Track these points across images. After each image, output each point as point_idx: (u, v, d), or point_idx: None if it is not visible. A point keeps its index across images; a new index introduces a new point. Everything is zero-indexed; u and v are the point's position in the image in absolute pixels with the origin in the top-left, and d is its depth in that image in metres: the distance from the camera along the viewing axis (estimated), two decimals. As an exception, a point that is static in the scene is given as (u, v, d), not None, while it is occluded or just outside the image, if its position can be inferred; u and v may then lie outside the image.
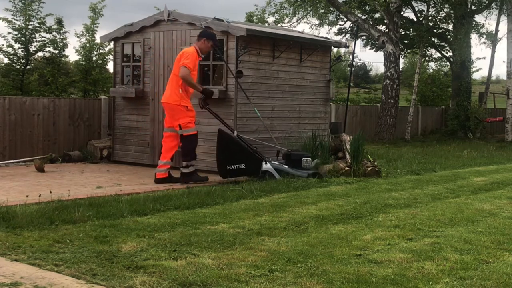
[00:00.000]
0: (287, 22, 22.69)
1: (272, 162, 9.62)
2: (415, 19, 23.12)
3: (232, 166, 9.24)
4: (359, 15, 21.51)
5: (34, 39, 16.44)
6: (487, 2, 21.88)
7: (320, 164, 10.19)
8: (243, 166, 9.32)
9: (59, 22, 16.65)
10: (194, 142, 9.19)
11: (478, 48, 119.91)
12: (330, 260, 4.85)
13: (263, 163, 9.50)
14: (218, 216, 6.55)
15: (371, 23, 21.55)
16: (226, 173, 9.26)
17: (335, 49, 14.04)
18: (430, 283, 4.34)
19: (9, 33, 16.08)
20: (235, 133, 9.57)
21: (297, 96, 11.42)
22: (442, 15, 23.27)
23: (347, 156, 10.39)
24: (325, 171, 9.92)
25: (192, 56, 8.98)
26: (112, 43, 12.60)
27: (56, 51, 16.82)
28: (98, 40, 16.85)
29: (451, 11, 22.22)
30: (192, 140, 9.12)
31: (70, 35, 63.49)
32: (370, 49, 24.94)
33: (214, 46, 9.43)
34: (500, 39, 23.07)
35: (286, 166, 9.61)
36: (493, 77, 33.40)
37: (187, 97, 9.08)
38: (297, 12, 22.24)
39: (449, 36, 23.42)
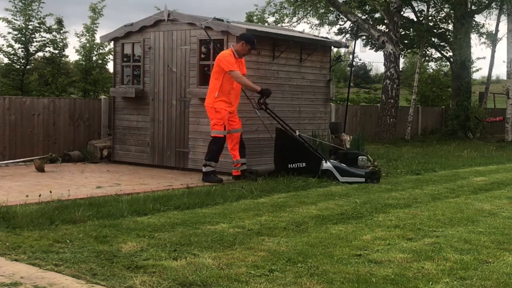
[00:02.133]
0: (287, 22, 22.68)
1: (332, 161, 9.74)
2: (415, 19, 23.11)
3: (293, 165, 9.51)
4: (359, 15, 21.51)
5: (34, 39, 16.46)
6: (487, 2, 21.87)
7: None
8: (303, 165, 9.57)
9: (59, 22, 16.67)
10: (219, 144, 9.34)
11: (478, 48, 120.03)
12: (330, 260, 4.85)
13: (323, 161, 9.62)
14: (218, 216, 6.55)
15: (371, 23, 21.54)
16: (287, 171, 9.48)
17: (335, 49, 14.02)
18: (430, 283, 4.34)
19: (9, 33, 16.11)
20: (297, 133, 9.76)
21: (297, 96, 11.42)
22: (442, 15, 23.26)
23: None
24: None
25: (228, 59, 9.14)
26: (112, 43, 12.60)
27: (56, 51, 16.84)
28: (98, 40, 16.87)
29: (451, 11, 22.21)
30: (216, 141, 9.32)
31: (70, 35, 63.55)
32: (370, 49, 24.93)
33: (252, 50, 9.52)
34: (500, 39, 23.07)
35: (345, 165, 9.67)
36: (493, 77, 33.38)
37: (223, 100, 9.23)
38: (297, 12, 22.22)
39: (449, 36, 23.41)
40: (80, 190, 8.29)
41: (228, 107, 9.31)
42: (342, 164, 9.68)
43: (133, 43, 11.68)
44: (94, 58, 17.32)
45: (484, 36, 22.58)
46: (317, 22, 22.74)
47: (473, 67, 25.48)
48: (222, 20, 10.35)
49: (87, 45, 17.15)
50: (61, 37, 16.81)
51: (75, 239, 5.36)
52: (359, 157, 9.94)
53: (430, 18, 22.53)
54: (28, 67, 16.82)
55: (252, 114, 10.24)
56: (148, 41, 11.37)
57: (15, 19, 16.10)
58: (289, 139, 9.67)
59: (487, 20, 59.15)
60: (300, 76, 11.44)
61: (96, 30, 17.20)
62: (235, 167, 9.54)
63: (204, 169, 9.38)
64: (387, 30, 20.23)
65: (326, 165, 9.60)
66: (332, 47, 12.61)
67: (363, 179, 9.37)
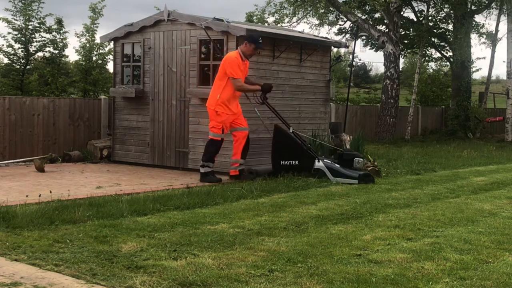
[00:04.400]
0: (287, 22, 22.66)
1: (325, 160, 9.68)
2: (415, 19, 23.12)
3: (286, 162, 9.52)
4: (359, 15, 21.50)
5: (34, 39, 16.44)
6: (487, 2, 21.88)
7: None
8: (296, 163, 9.57)
9: (59, 22, 16.66)
10: (216, 146, 9.35)
11: (478, 48, 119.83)
12: (330, 260, 4.85)
13: (316, 161, 9.58)
14: (218, 216, 6.55)
15: (371, 23, 21.54)
16: (279, 168, 9.53)
17: (335, 49, 14.03)
18: (430, 283, 4.34)
19: (9, 33, 16.09)
20: (291, 129, 9.75)
21: (297, 96, 11.42)
22: (442, 15, 23.27)
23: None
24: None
25: (233, 64, 9.08)
26: (112, 43, 12.60)
27: (56, 51, 16.82)
28: (98, 40, 16.85)
29: (451, 11, 22.21)
30: (214, 143, 9.32)
31: (70, 35, 63.46)
32: (370, 49, 24.95)
33: (257, 49, 9.42)
34: (500, 39, 23.07)
35: (339, 166, 9.61)
36: (493, 77, 33.39)
37: (225, 104, 9.18)
38: (297, 12, 22.21)
39: (449, 36, 23.42)
40: (80, 190, 8.29)
41: (229, 111, 9.26)
42: (336, 165, 9.61)
43: (133, 43, 11.67)
44: (94, 58, 17.31)
45: (484, 36, 22.60)
46: (317, 22, 22.73)
47: (473, 67, 25.50)
48: (222, 20, 10.35)
49: (87, 45, 17.14)
50: (61, 37, 16.81)
51: (75, 239, 5.36)
52: (355, 158, 9.86)
53: (430, 18, 22.53)
54: (28, 67, 16.81)
55: (252, 114, 10.24)
56: (148, 41, 11.37)
57: (15, 19, 16.10)
58: (284, 136, 9.67)
59: (487, 20, 59.21)
60: (300, 76, 11.44)
61: (96, 30, 17.20)
62: (233, 167, 9.53)
63: (202, 170, 9.40)
64: (387, 30, 20.23)
65: (318, 164, 9.58)
66: (332, 47, 12.61)
67: (356, 181, 9.29)
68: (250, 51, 9.34)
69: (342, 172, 9.47)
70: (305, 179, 9.31)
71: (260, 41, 9.38)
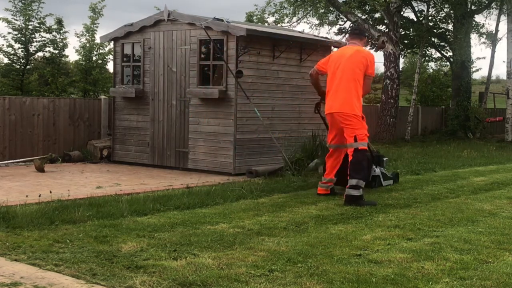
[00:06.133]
0: (287, 22, 22.65)
1: (379, 167, 9.06)
2: (415, 19, 23.10)
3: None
4: (359, 15, 21.49)
5: (34, 39, 16.43)
6: (487, 2, 21.87)
7: (320, 164, 10.17)
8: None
9: (59, 22, 16.65)
10: (368, 158, 8.19)
11: (478, 48, 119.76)
12: (330, 260, 4.85)
13: (374, 167, 8.87)
14: (218, 216, 6.55)
15: (371, 23, 21.54)
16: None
17: (335, 49, 14.02)
18: (430, 283, 4.34)
19: (9, 33, 16.09)
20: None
21: (297, 96, 11.42)
22: (442, 15, 23.25)
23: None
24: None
25: (374, 63, 8.00)
26: (112, 43, 12.61)
27: (56, 51, 16.81)
28: (98, 40, 16.85)
29: (451, 11, 22.20)
30: (365, 155, 7.93)
31: (70, 35, 63.50)
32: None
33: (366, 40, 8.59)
34: (500, 39, 23.06)
35: (383, 169, 9.14)
36: (493, 77, 33.37)
37: (360, 106, 7.88)
38: (297, 12, 22.19)
39: (449, 36, 23.40)
40: (80, 190, 8.29)
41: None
42: (383, 169, 9.20)
43: (133, 43, 11.68)
44: (94, 58, 17.30)
45: (484, 36, 22.58)
46: (317, 22, 22.71)
47: (473, 67, 25.48)
48: (222, 20, 10.35)
49: (87, 45, 17.14)
50: (61, 37, 16.80)
51: (75, 239, 5.36)
52: (384, 158, 9.47)
53: (430, 18, 22.52)
54: (28, 67, 16.80)
55: (252, 114, 10.25)
56: (148, 41, 11.37)
57: (15, 19, 16.09)
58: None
59: (487, 20, 59.26)
60: (300, 76, 11.44)
61: (96, 30, 17.20)
62: (326, 185, 8.21)
63: (355, 192, 7.51)
64: (387, 30, 20.22)
65: (377, 171, 8.97)
66: (332, 47, 12.60)
67: (391, 181, 9.17)
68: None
69: (387, 175, 9.21)
70: (305, 179, 9.30)
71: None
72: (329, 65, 8.16)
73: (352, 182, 7.56)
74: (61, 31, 16.75)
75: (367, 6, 21.91)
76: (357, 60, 7.85)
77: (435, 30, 23.16)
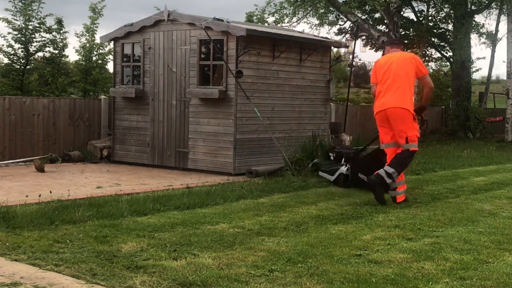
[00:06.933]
0: (287, 22, 22.65)
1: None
2: (415, 19, 23.09)
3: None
4: (359, 15, 21.49)
5: (34, 39, 16.43)
6: (487, 2, 21.86)
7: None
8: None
9: (59, 22, 16.65)
10: (412, 158, 8.07)
11: (478, 48, 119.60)
12: (330, 260, 4.85)
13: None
14: (218, 216, 6.55)
15: (371, 23, 21.54)
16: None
17: (335, 49, 14.03)
18: (430, 283, 4.34)
19: (9, 33, 16.08)
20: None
21: (297, 96, 11.42)
22: (442, 15, 23.24)
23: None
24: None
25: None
26: (112, 43, 12.61)
27: (56, 51, 16.81)
28: (98, 40, 16.84)
29: (451, 11, 22.19)
30: (413, 155, 7.89)
31: (70, 35, 63.40)
32: (370, 49, 24.90)
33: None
34: (500, 39, 23.06)
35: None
36: (493, 77, 33.35)
37: (413, 105, 7.79)
38: (297, 12, 22.19)
39: (449, 36, 23.39)
40: (80, 190, 8.29)
41: None
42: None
43: (133, 43, 11.68)
44: (94, 58, 17.30)
45: (484, 36, 22.57)
46: (317, 22, 22.71)
47: (473, 67, 25.45)
48: (222, 20, 10.35)
49: (87, 45, 17.14)
50: (61, 37, 16.80)
51: (75, 239, 5.36)
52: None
53: (430, 18, 22.52)
54: (28, 67, 16.80)
55: (252, 114, 10.25)
56: (148, 41, 11.37)
57: (15, 19, 16.08)
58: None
59: (487, 20, 59.04)
60: (300, 76, 11.44)
61: (96, 30, 17.20)
62: (399, 191, 7.70)
63: (386, 179, 7.50)
64: (387, 30, 20.22)
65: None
66: (332, 47, 12.61)
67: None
68: None
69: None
70: (305, 179, 9.30)
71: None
72: (377, 73, 8.06)
73: (390, 170, 7.53)
74: (61, 31, 16.75)
75: (367, 6, 21.90)
76: (406, 60, 7.87)
77: (435, 30, 23.16)
